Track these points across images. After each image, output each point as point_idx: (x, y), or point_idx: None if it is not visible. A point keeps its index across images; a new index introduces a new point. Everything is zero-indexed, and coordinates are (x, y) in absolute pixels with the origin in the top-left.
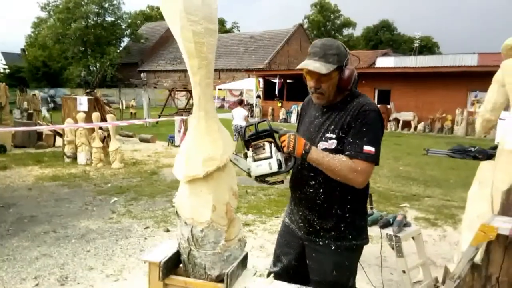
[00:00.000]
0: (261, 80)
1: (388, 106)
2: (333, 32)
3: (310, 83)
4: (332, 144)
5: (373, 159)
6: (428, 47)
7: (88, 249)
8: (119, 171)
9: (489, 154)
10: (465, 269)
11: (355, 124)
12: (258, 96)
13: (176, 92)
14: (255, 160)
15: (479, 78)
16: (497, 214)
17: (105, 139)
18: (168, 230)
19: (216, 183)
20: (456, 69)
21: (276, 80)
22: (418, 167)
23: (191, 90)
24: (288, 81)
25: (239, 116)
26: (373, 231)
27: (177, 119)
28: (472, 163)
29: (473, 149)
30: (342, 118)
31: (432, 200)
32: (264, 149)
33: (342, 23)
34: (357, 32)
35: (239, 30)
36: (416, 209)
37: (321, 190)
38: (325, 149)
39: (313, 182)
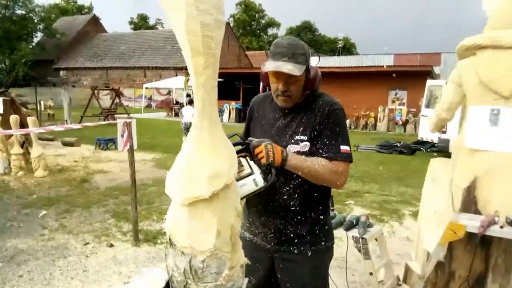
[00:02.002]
0: (190, 78)
1: None
2: (258, 31)
3: (278, 86)
4: (305, 146)
5: (350, 158)
6: (346, 47)
7: (20, 273)
8: (44, 180)
9: (413, 149)
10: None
11: (328, 125)
12: (188, 95)
13: (99, 91)
14: (236, 180)
15: (395, 77)
16: (458, 211)
17: (24, 144)
18: (112, 245)
19: (222, 204)
20: (377, 69)
21: None
22: (352, 163)
23: (116, 89)
24: (219, 79)
25: (188, 114)
26: (338, 233)
27: (119, 121)
28: (399, 158)
29: (398, 145)
30: (311, 119)
31: (373, 196)
32: (242, 165)
33: (267, 23)
34: (281, 32)
35: (163, 27)
36: (360, 205)
37: (296, 196)
38: (298, 152)
39: (286, 188)
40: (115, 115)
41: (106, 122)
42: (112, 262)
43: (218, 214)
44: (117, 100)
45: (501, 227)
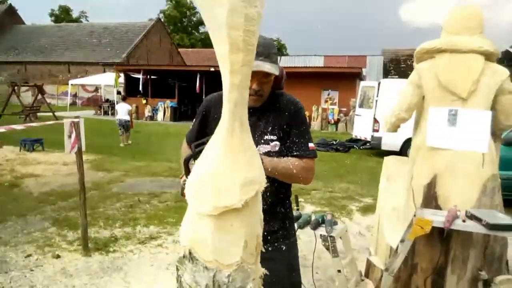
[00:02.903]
0: (122, 75)
1: None
2: (190, 29)
3: (252, 85)
4: (276, 146)
5: (316, 155)
6: (277, 48)
7: None
8: None
9: (347, 146)
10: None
11: (296, 124)
12: (119, 93)
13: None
14: None
15: (327, 78)
16: (420, 207)
17: None
18: (58, 256)
19: (250, 212)
20: (311, 70)
21: (140, 76)
22: None
23: (40, 85)
24: (152, 77)
25: (123, 111)
26: (305, 233)
27: (66, 121)
28: (335, 155)
29: (334, 143)
30: (278, 118)
31: (319, 193)
32: None
33: (199, 21)
34: None
35: (87, 20)
36: (310, 203)
37: (267, 194)
38: (269, 152)
39: None
40: (38, 113)
41: (52, 122)
42: (61, 275)
43: (246, 224)
44: (39, 97)
45: (463, 221)
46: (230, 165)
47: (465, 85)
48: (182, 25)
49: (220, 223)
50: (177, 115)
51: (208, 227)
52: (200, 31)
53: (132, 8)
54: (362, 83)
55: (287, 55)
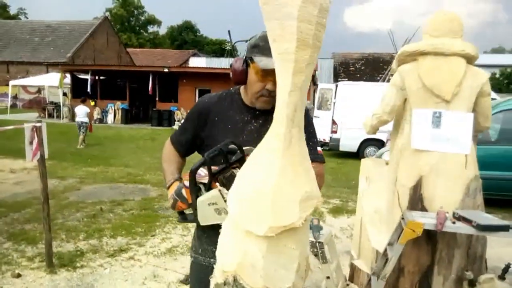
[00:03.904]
0: (68, 75)
1: None
2: (137, 28)
3: (264, 85)
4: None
5: (324, 160)
6: (228, 50)
7: None
8: None
9: None
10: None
11: (304, 126)
12: (64, 94)
13: None
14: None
15: None
16: (406, 209)
17: None
18: (19, 275)
19: (304, 231)
20: None
21: (88, 77)
22: None
23: None
24: (101, 77)
25: (82, 113)
26: None
27: (27, 126)
28: None
29: None
30: None
31: None
32: None
33: (147, 20)
34: (162, 30)
35: (27, 17)
36: None
37: None
38: None
39: None
40: None
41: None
42: None
43: (300, 245)
44: None
45: (453, 223)
46: (290, 179)
47: (449, 88)
48: (130, 24)
49: (273, 244)
50: (129, 117)
51: (259, 250)
52: (149, 31)
53: (75, 6)
54: (320, 86)
55: (238, 55)
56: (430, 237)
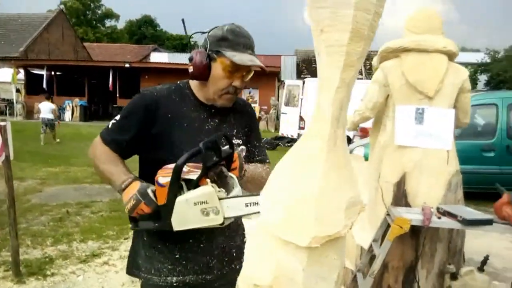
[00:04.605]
0: (21, 71)
1: None
2: (94, 22)
3: (231, 82)
4: (243, 151)
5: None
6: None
7: None
8: None
9: (275, 144)
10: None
11: (253, 126)
12: (18, 90)
13: None
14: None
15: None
16: (390, 205)
17: None
18: None
19: (343, 239)
20: None
21: (43, 72)
22: None
23: None
24: (57, 73)
25: (47, 110)
26: None
27: None
28: None
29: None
30: (238, 120)
31: None
32: (227, 178)
33: (104, 14)
34: (120, 24)
35: None
36: None
37: None
38: None
39: None
40: None
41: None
42: None
43: (341, 254)
44: None
45: (439, 218)
46: (334, 184)
47: (432, 85)
48: (86, 18)
49: (314, 255)
50: (87, 114)
51: (300, 261)
52: (106, 25)
53: None
54: (287, 82)
55: None
56: (414, 233)
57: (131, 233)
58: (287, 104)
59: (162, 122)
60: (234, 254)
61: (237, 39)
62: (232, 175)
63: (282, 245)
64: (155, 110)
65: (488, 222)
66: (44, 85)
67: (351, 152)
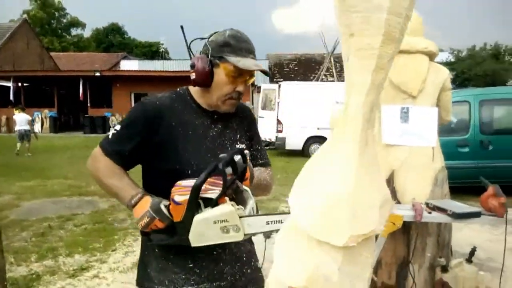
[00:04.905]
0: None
1: None
2: (60, 31)
3: (235, 87)
4: (247, 155)
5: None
6: (159, 52)
7: None
8: None
9: None
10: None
11: (254, 129)
12: None
13: None
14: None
15: None
16: None
17: None
18: None
19: (374, 238)
20: None
21: (10, 84)
22: None
23: None
24: (25, 84)
25: (23, 121)
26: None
27: None
28: None
29: None
30: (240, 125)
31: None
32: (242, 192)
33: (70, 22)
34: (87, 33)
35: None
36: None
37: None
38: None
39: None
40: None
41: None
42: None
43: (372, 253)
44: None
45: (429, 213)
46: (367, 184)
47: (415, 84)
48: (51, 27)
49: (349, 254)
50: (58, 125)
51: (335, 261)
52: (72, 34)
53: None
54: (263, 86)
55: (169, 59)
56: (405, 229)
57: (117, 244)
58: (263, 108)
59: (166, 130)
60: (245, 259)
61: (239, 44)
62: (246, 188)
63: (316, 245)
64: (158, 119)
65: (477, 214)
66: (11, 97)
67: None
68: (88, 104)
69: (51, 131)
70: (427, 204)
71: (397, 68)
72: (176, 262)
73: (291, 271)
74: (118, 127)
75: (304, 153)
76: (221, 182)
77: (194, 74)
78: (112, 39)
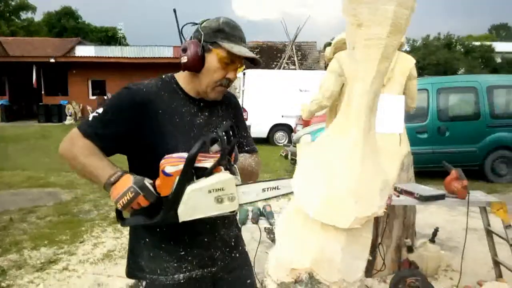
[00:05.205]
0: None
1: (105, 97)
2: (8, 14)
3: (225, 74)
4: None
5: None
6: (115, 37)
7: None
8: None
9: None
10: None
11: (240, 116)
12: None
13: None
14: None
15: (179, 69)
16: None
17: None
18: None
19: (372, 220)
20: (177, 60)
21: None
22: None
23: None
24: None
25: None
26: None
27: None
28: None
29: None
30: (225, 112)
31: None
32: (232, 167)
33: (19, 5)
34: (38, 17)
35: None
36: None
37: None
38: None
39: None
40: None
41: None
42: None
43: (370, 233)
44: None
45: (398, 196)
46: (370, 169)
47: None
48: None
49: (351, 235)
50: (9, 114)
51: (338, 243)
52: (22, 18)
53: None
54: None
55: (127, 45)
56: None
57: (85, 235)
58: None
59: (153, 118)
60: (233, 244)
61: (233, 31)
62: (234, 164)
63: (320, 229)
64: (145, 106)
65: (441, 197)
66: None
67: (297, 140)
68: (43, 92)
69: (3, 120)
70: (395, 188)
71: None
72: (168, 250)
73: (295, 254)
74: (100, 110)
75: (269, 140)
76: (212, 156)
77: (185, 57)
78: (65, 24)
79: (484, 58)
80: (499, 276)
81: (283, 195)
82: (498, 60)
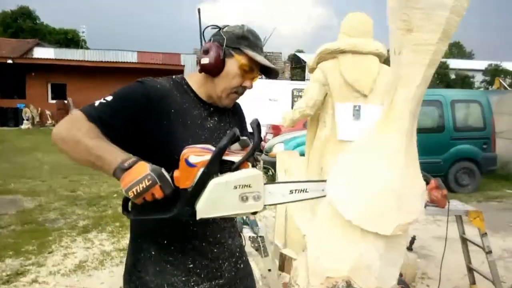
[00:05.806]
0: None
1: (66, 102)
2: None
3: (242, 82)
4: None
5: None
6: (75, 40)
7: None
8: None
9: None
10: None
11: (244, 125)
12: None
13: None
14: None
15: (143, 74)
16: None
17: None
18: None
19: (409, 226)
20: (141, 66)
21: None
22: None
23: None
24: None
25: None
26: None
27: None
28: None
29: None
30: (233, 119)
31: None
32: (256, 166)
33: None
34: None
35: None
36: None
37: None
38: None
39: None
40: None
41: None
42: None
43: (406, 240)
44: None
45: None
46: (411, 175)
47: (367, 84)
48: None
49: (390, 242)
50: None
51: (377, 250)
52: None
53: None
54: None
55: (87, 48)
56: None
57: (54, 245)
58: None
59: (165, 117)
60: (238, 254)
61: (256, 40)
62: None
63: (360, 236)
64: (158, 103)
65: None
66: None
67: (271, 148)
68: None
69: None
70: None
71: (350, 67)
72: (175, 263)
73: (332, 262)
74: (109, 98)
75: None
76: (237, 152)
77: (207, 59)
78: (22, 24)
79: (440, 74)
80: (472, 282)
81: (311, 199)
82: (453, 76)
